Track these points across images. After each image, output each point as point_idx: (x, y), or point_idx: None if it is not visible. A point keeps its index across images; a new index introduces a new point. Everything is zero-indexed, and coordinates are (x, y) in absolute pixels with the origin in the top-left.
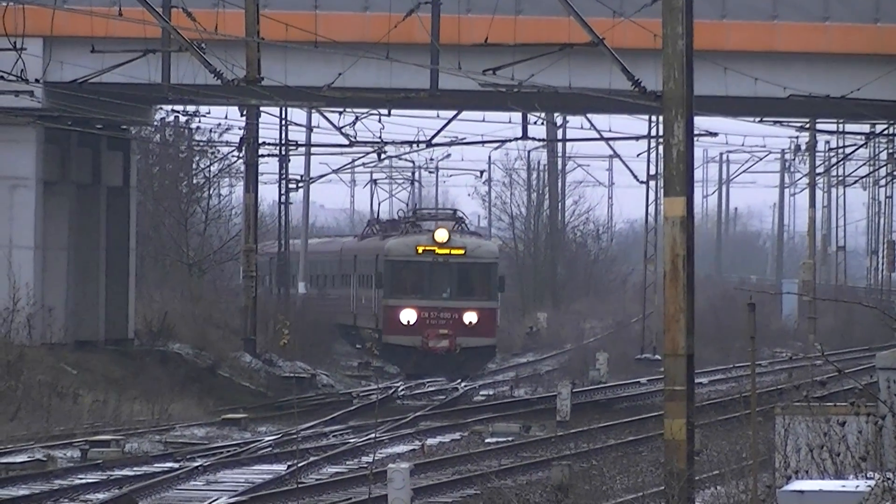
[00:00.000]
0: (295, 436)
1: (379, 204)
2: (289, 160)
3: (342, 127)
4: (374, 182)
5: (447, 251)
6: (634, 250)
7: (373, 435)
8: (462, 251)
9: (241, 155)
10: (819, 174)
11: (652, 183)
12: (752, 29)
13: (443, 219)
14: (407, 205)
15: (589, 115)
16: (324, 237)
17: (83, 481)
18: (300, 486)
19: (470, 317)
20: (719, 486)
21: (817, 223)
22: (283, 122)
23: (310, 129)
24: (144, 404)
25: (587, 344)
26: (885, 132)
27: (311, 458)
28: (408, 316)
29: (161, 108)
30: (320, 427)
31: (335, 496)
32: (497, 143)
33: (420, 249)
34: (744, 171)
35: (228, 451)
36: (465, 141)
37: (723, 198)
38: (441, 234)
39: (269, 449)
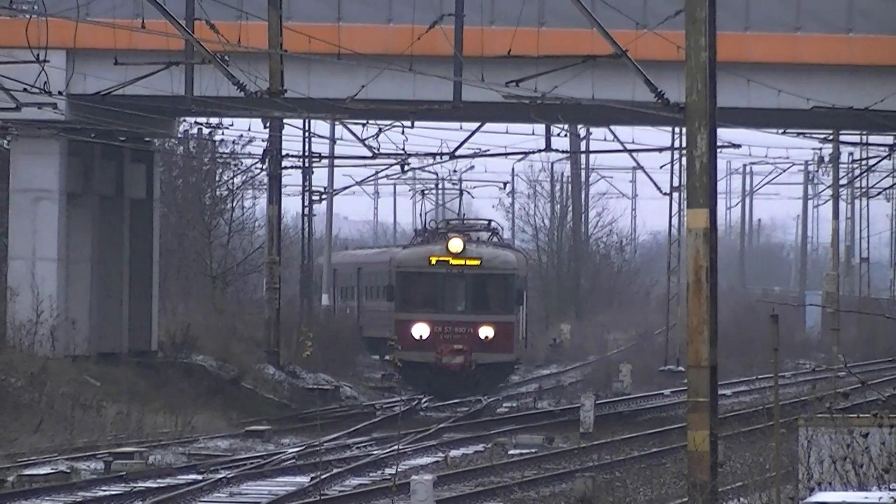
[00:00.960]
0: (318, 447)
1: (425, 214)
2: (312, 172)
3: (365, 139)
4: (422, 193)
5: (462, 262)
6: (657, 262)
7: (396, 446)
8: (478, 262)
9: (264, 167)
10: (842, 186)
11: (675, 194)
12: (776, 41)
13: (477, 230)
14: (456, 213)
15: (612, 127)
16: (375, 247)
17: (106, 493)
18: (323, 497)
19: (486, 331)
20: (742, 497)
21: (841, 235)
22: (307, 134)
23: (333, 141)
24: (168, 416)
25: (610, 355)
26: None
27: (335, 470)
28: (420, 330)
29: (184, 121)
30: (344, 439)
31: None
32: (520, 155)
33: (433, 260)
34: (767, 183)
35: (252, 463)
36: (488, 153)
37: (746, 209)
38: (455, 244)
39: (293, 461)
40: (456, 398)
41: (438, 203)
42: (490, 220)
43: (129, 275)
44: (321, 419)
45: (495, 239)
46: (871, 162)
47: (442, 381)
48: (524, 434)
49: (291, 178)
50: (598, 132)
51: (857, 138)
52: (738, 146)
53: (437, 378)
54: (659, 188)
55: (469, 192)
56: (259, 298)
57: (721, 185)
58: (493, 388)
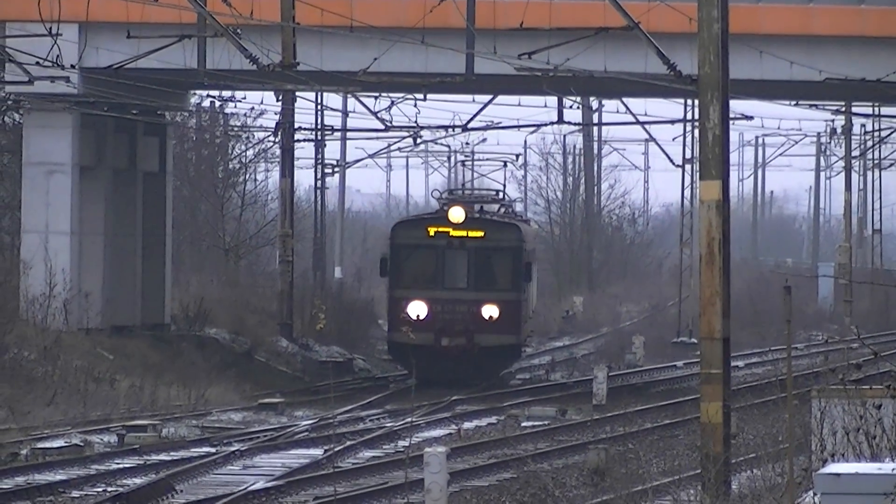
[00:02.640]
0: (331, 420)
1: (470, 181)
2: (325, 145)
3: (378, 112)
4: (461, 164)
5: (463, 233)
6: (670, 234)
7: (409, 419)
8: (481, 233)
9: (276, 140)
10: (855, 157)
11: (688, 166)
12: (788, 12)
13: (485, 200)
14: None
15: (624, 99)
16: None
17: (120, 466)
18: (337, 470)
19: (490, 311)
20: (755, 469)
21: (853, 206)
22: (319, 106)
23: (345, 113)
24: (181, 389)
25: (623, 328)
26: None
27: (348, 443)
28: (417, 310)
29: (197, 94)
30: (357, 411)
31: (372, 480)
32: (533, 128)
33: (432, 231)
34: (779, 155)
35: (265, 436)
36: (500, 125)
37: (758, 181)
38: (456, 214)
39: (306, 433)
40: (455, 385)
41: (452, 174)
42: (499, 190)
43: (141, 248)
44: (334, 392)
45: (503, 210)
46: (884, 133)
47: (441, 365)
48: (537, 406)
49: (304, 151)
50: (610, 104)
51: (869, 110)
52: (751, 118)
53: (436, 363)
54: (671, 160)
55: (502, 160)
56: (272, 271)
57: (733, 157)
58: (497, 373)
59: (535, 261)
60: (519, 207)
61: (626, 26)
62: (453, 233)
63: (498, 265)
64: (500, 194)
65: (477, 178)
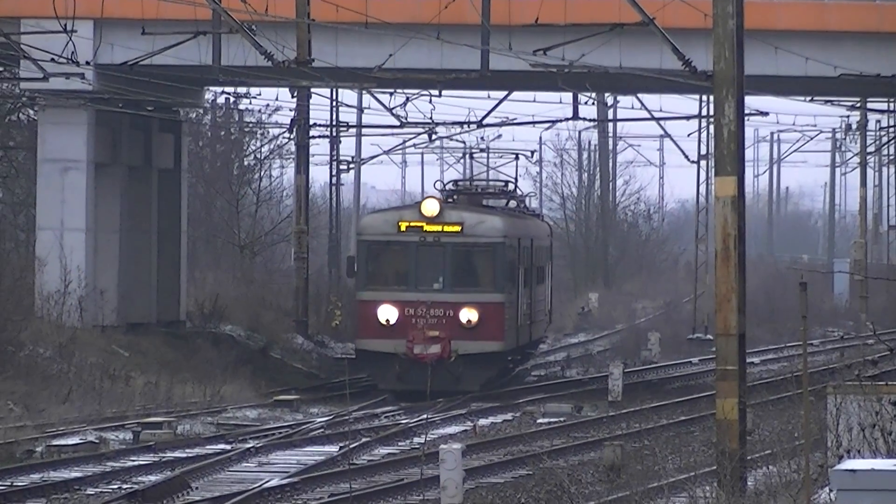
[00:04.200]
0: (347, 417)
1: (479, 174)
2: (340, 141)
3: (393, 108)
4: (470, 156)
5: (438, 228)
6: (685, 230)
7: (425, 416)
8: (458, 228)
9: (291, 136)
10: (870, 153)
11: (703, 163)
12: (803, 8)
13: (492, 194)
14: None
15: (640, 95)
16: None
17: (135, 463)
18: (352, 467)
19: (469, 314)
20: (771, 465)
21: (868, 202)
22: (334, 103)
23: (360, 110)
24: (196, 386)
25: (639, 324)
26: None
27: (363, 440)
28: (387, 313)
29: (211, 90)
30: (372, 408)
31: (387, 477)
32: (548, 124)
33: (403, 226)
34: (795, 151)
35: (280, 433)
36: (515, 121)
37: (774, 177)
38: (430, 206)
39: (321, 430)
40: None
41: (462, 168)
42: (507, 182)
43: (157, 245)
44: (350, 388)
45: (514, 204)
46: None
47: (414, 375)
48: (553, 403)
49: (319, 148)
50: (625, 100)
51: (884, 105)
52: (766, 114)
53: (408, 373)
54: (686, 156)
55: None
56: (287, 268)
57: (749, 153)
58: (478, 384)
59: (549, 258)
60: (534, 203)
61: (641, 22)
62: (427, 227)
63: (478, 263)
64: (510, 186)
65: (487, 172)
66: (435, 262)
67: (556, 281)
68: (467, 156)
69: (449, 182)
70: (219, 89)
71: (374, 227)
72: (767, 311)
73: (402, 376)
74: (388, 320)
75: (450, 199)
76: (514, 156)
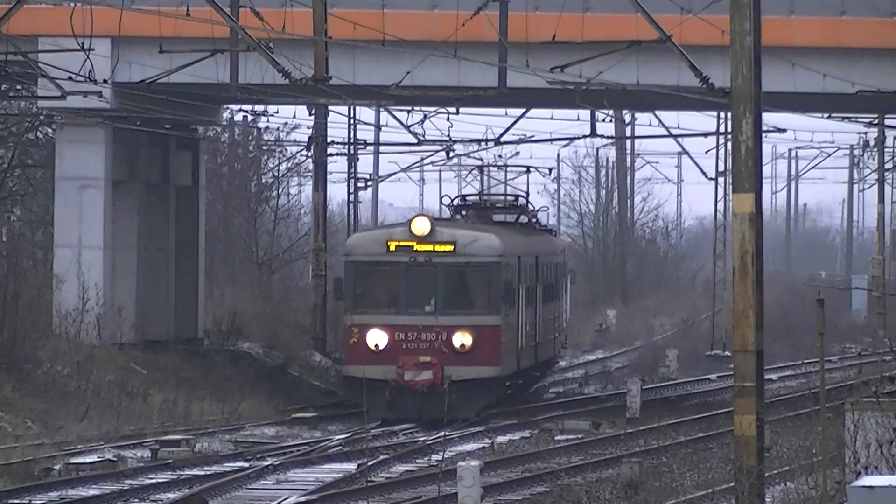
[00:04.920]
0: (365, 434)
1: (488, 189)
2: (357, 159)
3: (410, 125)
4: (479, 170)
5: (429, 247)
6: (703, 247)
7: (443, 433)
8: (451, 247)
9: (309, 154)
10: (888, 170)
11: (721, 179)
12: (821, 24)
13: (501, 208)
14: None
15: (657, 112)
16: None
17: (153, 481)
18: (370, 484)
19: (462, 338)
20: (789, 482)
21: (886, 218)
22: (352, 120)
23: (378, 127)
24: (214, 403)
25: (657, 341)
26: None
27: (381, 457)
28: (376, 338)
29: (229, 108)
30: (390, 425)
31: (405, 494)
32: (566, 141)
33: (393, 246)
34: (812, 167)
35: (298, 450)
36: (533, 139)
37: (792, 194)
38: (421, 225)
39: (339, 448)
40: (420, 425)
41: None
42: (518, 196)
43: (174, 262)
44: (367, 406)
45: (525, 219)
46: None
47: (405, 403)
48: (571, 420)
49: (337, 165)
50: (643, 117)
51: None
52: (784, 131)
53: (398, 400)
54: (704, 173)
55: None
56: (305, 285)
57: (766, 170)
58: (472, 412)
59: (561, 274)
60: (553, 220)
61: (658, 39)
62: (417, 247)
63: (472, 283)
64: (520, 201)
65: (497, 186)
66: (426, 283)
67: (572, 298)
68: (476, 169)
69: (457, 197)
70: (236, 107)
71: (361, 247)
72: (785, 328)
73: (392, 404)
74: (377, 345)
75: (459, 215)
76: (525, 169)
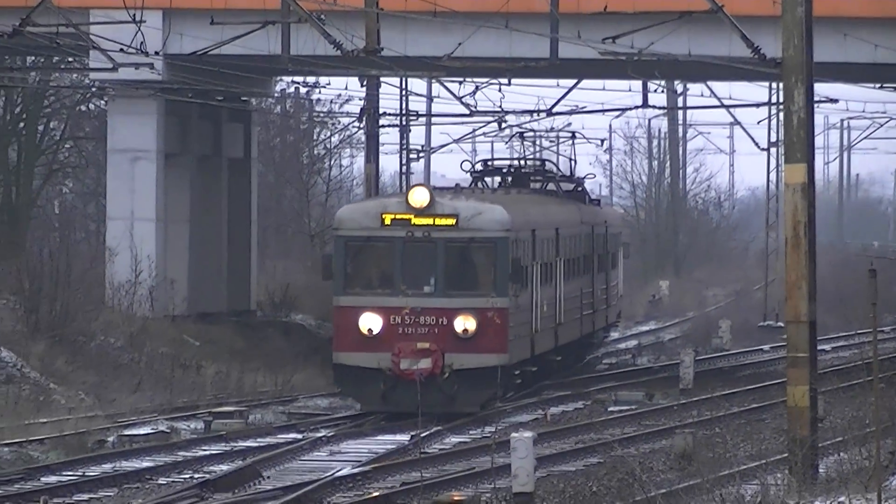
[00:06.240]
0: (418, 405)
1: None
2: (409, 130)
3: (462, 97)
4: (520, 136)
5: (429, 221)
6: (756, 218)
7: (496, 404)
8: (452, 220)
9: (361, 125)
10: None
11: (773, 150)
12: None
13: (527, 175)
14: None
15: (709, 83)
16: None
17: (206, 453)
18: (423, 455)
19: (464, 323)
20: (842, 452)
21: None
22: (404, 92)
23: (430, 98)
24: (267, 375)
25: (709, 312)
26: None
27: (435, 428)
28: (369, 322)
29: (281, 80)
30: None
31: (458, 465)
32: (617, 112)
33: (387, 219)
34: (865, 138)
35: (352, 422)
36: (585, 110)
37: (844, 164)
38: (418, 196)
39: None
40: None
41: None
42: (546, 160)
43: (227, 234)
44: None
45: (552, 186)
46: None
47: (400, 395)
48: (624, 391)
49: (389, 137)
50: (695, 88)
51: None
52: (836, 101)
53: (394, 391)
54: (756, 143)
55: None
56: None
57: (818, 140)
58: (476, 403)
59: (602, 246)
60: (605, 191)
61: (709, 10)
62: (415, 220)
63: (476, 261)
64: (547, 165)
65: (540, 153)
66: (425, 261)
67: (626, 268)
68: (517, 135)
69: (478, 161)
70: (289, 79)
71: (352, 220)
72: (838, 299)
73: (386, 396)
74: (370, 330)
75: (480, 183)
76: (570, 135)
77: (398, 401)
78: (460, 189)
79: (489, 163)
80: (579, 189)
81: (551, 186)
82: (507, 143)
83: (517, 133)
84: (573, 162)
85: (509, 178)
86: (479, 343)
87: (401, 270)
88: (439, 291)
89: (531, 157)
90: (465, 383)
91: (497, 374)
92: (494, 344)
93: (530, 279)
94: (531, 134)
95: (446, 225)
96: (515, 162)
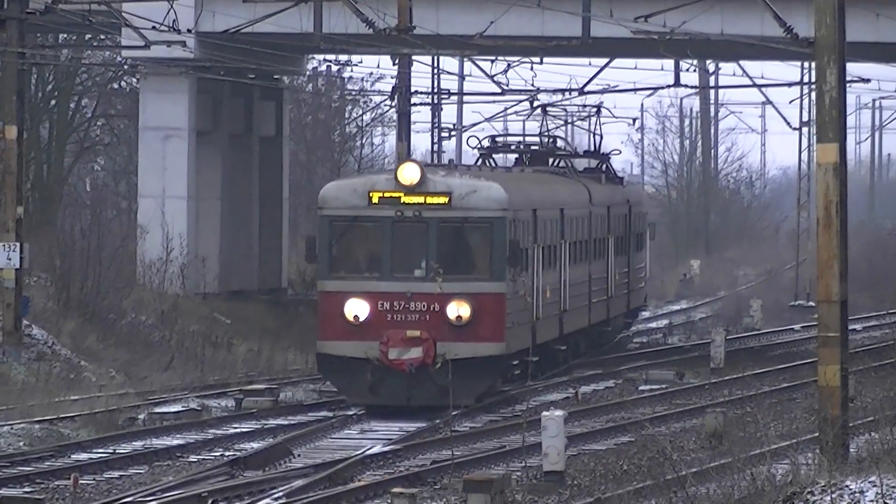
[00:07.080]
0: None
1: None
2: (441, 109)
3: (494, 75)
4: (543, 110)
5: (420, 199)
6: (787, 197)
7: (527, 383)
8: (445, 199)
9: (393, 104)
10: None
11: (805, 129)
12: None
13: (538, 152)
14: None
15: (741, 62)
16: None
17: (237, 430)
18: (454, 434)
19: (458, 309)
20: (873, 432)
21: None
22: (436, 70)
23: (462, 77)
24: (298, 353)
25: (740, 291)
26: None
27: (465, 407)
28: (355, 309)
29: (313, 58)
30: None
31: (489, 444)
32: (649, 91)
33: (375, 198)
34: None
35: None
36: (617, 88)
37: (876, 144)
38: (409, 173)
39: None
40: (407, 412)
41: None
42: (557, 137)
43: (258, 212)
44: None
45: (562, 164)
46: None
47: (389, 387)
48: (655, 370)
49: (420, 115)
50: (726, 67)
51: None
52: (868, 81)
53: (382, 383)
54: (788, 123)
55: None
56: None
57: (850, 120)
58: (472, 395)
59: (617, 227)
60: (637, 169)
61: None
62: (405, 199)
63: (471, 243)
64: (558, 143)
65: (563, 128)
66: (415, 243)
67: (656, 247)
68: (543, 111)
69: (485, 138)
70: (320, 57)
71: (338, 198)
72: (869, 278)
73: (374, 387)
74: (356, 317)
75: (487, 161)
76: (594, 109)
77: (387, 393)
78: (454, 166)
79: (497, 139)
80: (603, 167)
81: (563, 164)
82: (539, 122)
83: (539, 106)
84: (599, 137)
85: (520, 157)
86: (474, 331)
87: (390, 252)
88: (431, 275)
89: (544, 133)
90: (460, 374)
91: (493, 365)
92: (490, 332)
93: (531, 263)
94: (554, 109)
95: (438, 203)
96: (525, 139)
